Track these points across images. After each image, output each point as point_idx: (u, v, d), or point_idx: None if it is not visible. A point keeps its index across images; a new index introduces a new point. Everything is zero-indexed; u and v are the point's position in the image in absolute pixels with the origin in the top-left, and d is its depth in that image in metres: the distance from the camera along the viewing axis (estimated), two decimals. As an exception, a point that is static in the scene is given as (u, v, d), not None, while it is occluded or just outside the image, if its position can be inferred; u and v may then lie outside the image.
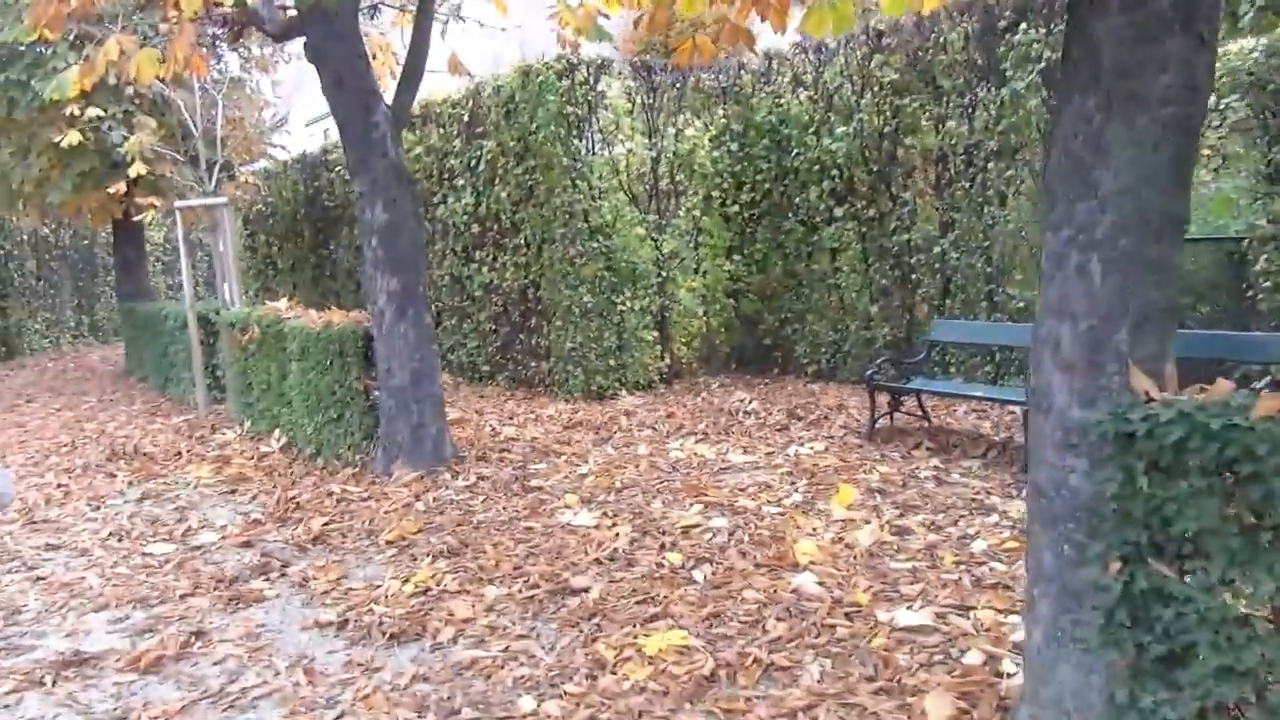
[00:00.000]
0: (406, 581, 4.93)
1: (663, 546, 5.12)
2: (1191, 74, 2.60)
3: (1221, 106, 11.02)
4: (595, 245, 10.19)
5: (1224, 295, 7.85)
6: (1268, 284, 6.86)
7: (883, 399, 7.53)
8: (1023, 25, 8.20)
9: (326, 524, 6.07)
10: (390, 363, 6.93)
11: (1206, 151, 10.98)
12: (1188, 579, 2.49)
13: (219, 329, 10.65)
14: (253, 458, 8.18)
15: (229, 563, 5.57)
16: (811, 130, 10.38)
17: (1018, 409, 7.71)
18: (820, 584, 4.40)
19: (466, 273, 11.89)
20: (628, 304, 10.33)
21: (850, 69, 9.92)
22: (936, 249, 9.18)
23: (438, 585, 4.84)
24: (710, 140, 11.16)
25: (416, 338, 6.96)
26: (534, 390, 10.76)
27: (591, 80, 10.23)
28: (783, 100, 10.81)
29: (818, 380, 10.42)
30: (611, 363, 10.23)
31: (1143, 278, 2.68)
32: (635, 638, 4.01)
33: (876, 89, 9.59)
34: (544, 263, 10.57)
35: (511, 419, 9.11)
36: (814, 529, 5.24)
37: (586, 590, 4.61)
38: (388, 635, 4.31)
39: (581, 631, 4.17)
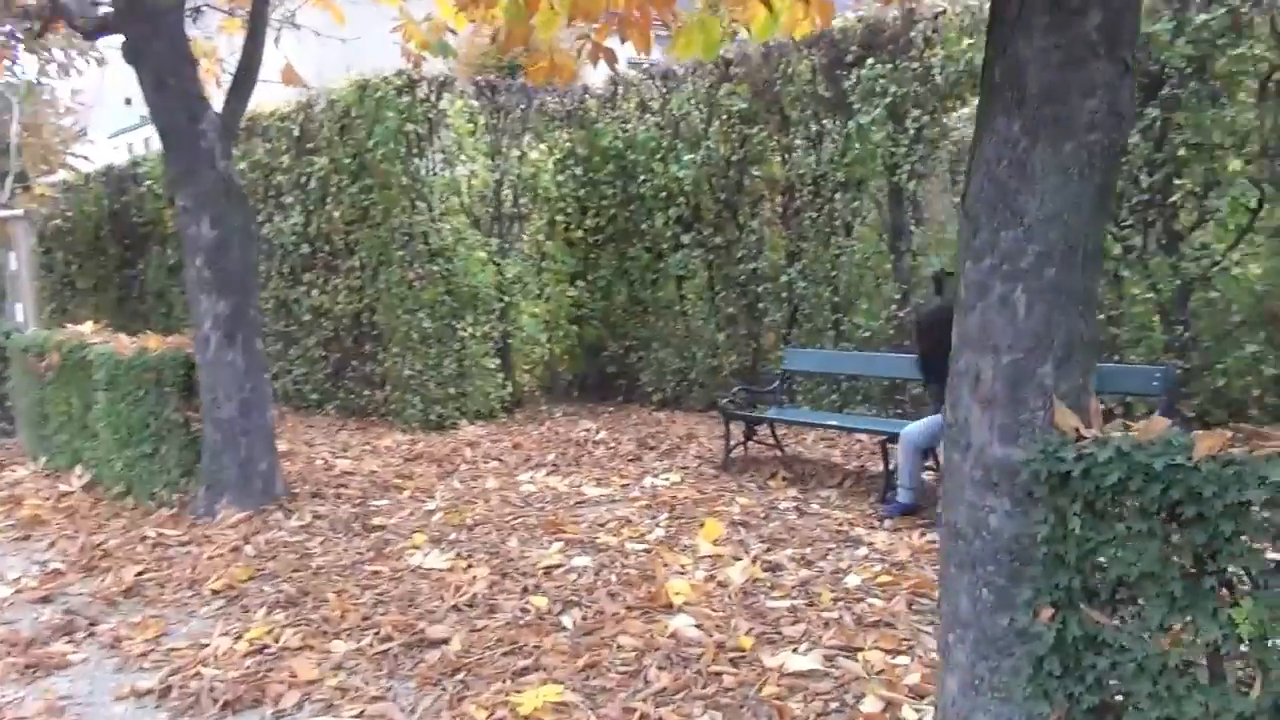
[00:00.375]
0: (239, 638, 4.41)
1: (525, 590, 4.78)
2: (1116, 99, 2.52)
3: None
4: (435, 268, 9.76)
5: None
6: (1100, 317, 7.11)
7: (737, 429, 7.43)
8: (869, 60, 8.33)
9: (141, 573, 5.43)
10: (216, 392, 6.32)
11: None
12: (1122, 626, 2.38)
13: (9, 355, 9.61)
14: (49, 498, 7.34)
15: (24, 622, 4.88)
16: (659, 157, 10.28)
17: (865, 437, 7.77)
18: (698, 626, 4.17)
19: (294, 296, 11.19)
20: (469, 330, 9.94)
21: (698, 96, 9.88)
22: (783, 278, 9.21)
23: (276, 641, 4.35)
24: (555, 164, 10.92)
25: (246, 365, 6.38)
26: (368, 420, 10.19)
27: (433, 97, 9.83)
28: (629, 126, 10.68)
29: (664, 409, 10.28)
30: (452, 391, 9.80)
31: (1068, 309, 2.58)
32: (507, 695, 3.66)
33: (724, 117, 9.57)
34: (380, 286, 10.05)
35: (346, 451, 8.55)
36: (683, 566, 5.01)
37: (446, 641, 4.23)
38: (220, 703, 3.80)
39: (445, 690, 3.79)
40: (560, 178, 10.91)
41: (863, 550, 5.16)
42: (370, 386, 10.37)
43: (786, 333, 9.32)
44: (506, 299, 10.40)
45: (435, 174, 9.98)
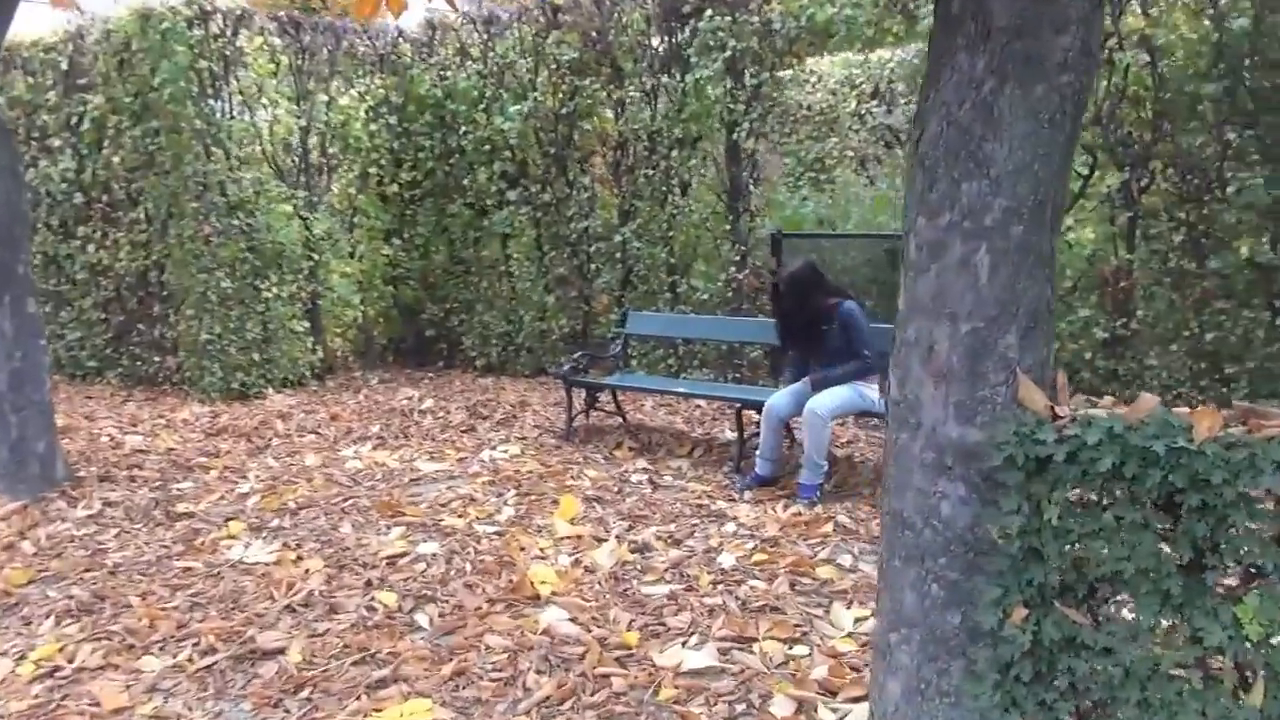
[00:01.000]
0: (23, 659, 3.68)
1: (369, 584, 4.25)
2: (1089, 37, 2.26)
3: (862, 112, 11.70)
4: (235, 223, 8.84)
5: (882, 290, 8.16)
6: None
7: (578, 397, 7.04)
8: (707, 12, 8.02)
9: (-111, 580, 4.54)
10: (-21, 361, 5.39)
11: (849, 153, 11.63)
12: (1104, 626, 2.15)
13: None
14: None
15: None
16: (481, 107, 9.67)
17: (705, 404, 7.55)
18: (573, 620, 3.78)
19: (65, 251, 9.94)
20: (274, 290, 9.09)
21: (524, 45, 9.32)
22: (617, 238, 8.85)
23: (70, 661, 3.65)
24: (367, 112, 10.11)
25: (16, 330, 5.46)
26: (158, 389, 9.18)
27: (229, 33, 8.85)
28: (448, 74, 9.99)
29: (489, 374, 9.77)
30: (256, 357, 8.94)
31: (1035, 272, 2.31)
32: (365, 715, 3.17)
33: (554, 67, 9.06)
34: (170, 241, 9.02)
35: (136, 425, 7.61)
36: (542, 550, 4.60)
37: (283, 651, 3.66)
38: (4, 744, 3.13)
39: (289, 712, 3.25)
40: (373, 127, 10.11)
41: (730, 526, 4.90)
42: (160, 352, 9.35)
43: (620, 295, 8.98)
44: (315, 257, 9.58)
45: (232, 118, 9.02)
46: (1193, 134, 6.17)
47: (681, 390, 6.70)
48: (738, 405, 5.99)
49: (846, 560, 4.36)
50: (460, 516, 5.16)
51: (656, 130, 8.52)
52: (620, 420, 7.18)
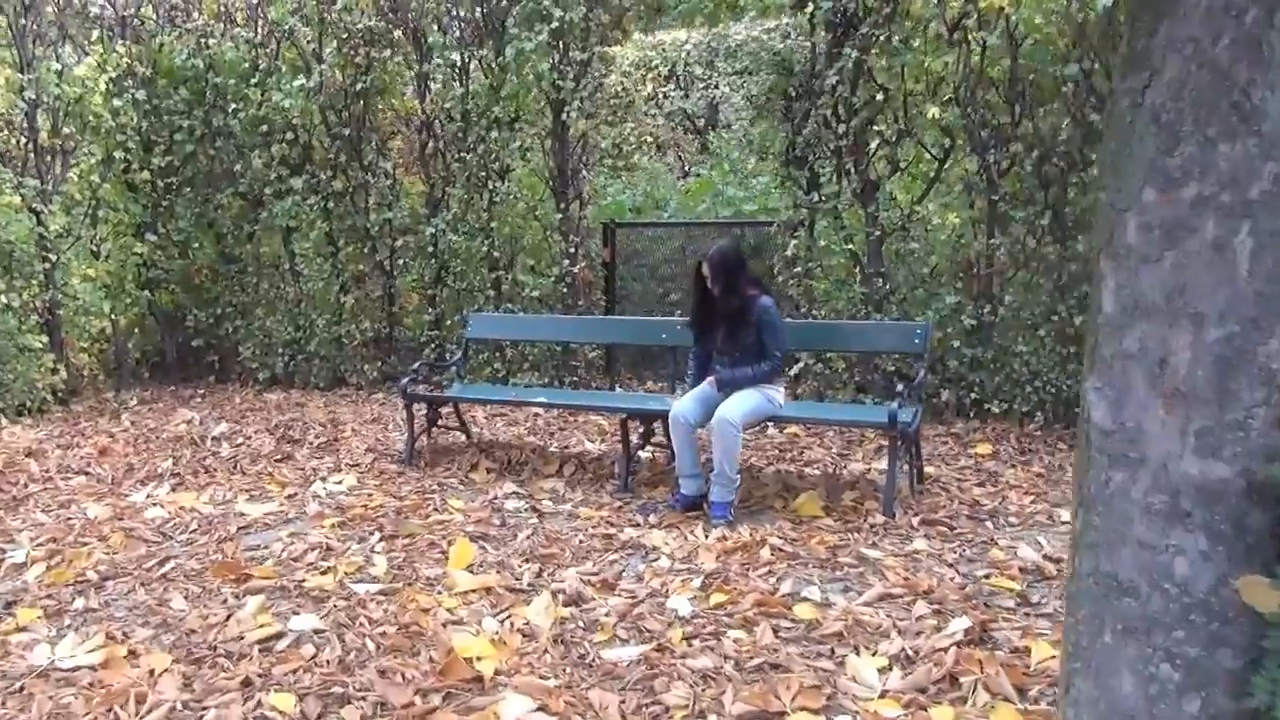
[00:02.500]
0: None
1: (248, 683, 3.24)
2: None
3: (659, 96, 11.28)
4: (-53, 217, 7.19)
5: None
6: (798, 269, 6.76)
7: (415, 412, 6.12)
8: (530, -23, 7.27)
9: None
10: None
11: (648, 139, 11.17)
12: None
13: None
14: None
15: None
16: (254, 82, 8.41)
17: (542, 412, 6.81)
18: (546, 710, 2.99)
19: None
20: (2, 299, 7.48)
21: (306, 10, 8.16)
22: (428, 230, 7.91)
23: None
24: (108, 85, 8.56)
25: None
26: None
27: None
28: (210, 42, 8.64)
29: (274, 388, 8.55)
30: (-16, 381, 7.33)
31: (1306, 260, 1.81)
32: None
33: (344, 37, 7.97)
34: None
35: None
36: (452, 612, 3.75)
37: (159, 802, 2.65)
38: None
39: None
40: (117, 103, 8.58)
41: (662, 561, 4.23)
42: None
43: (432, 294, 8.05)
44: (51, 258, 8.00)
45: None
46: (1054, 116, 6.10)
47: (558, 402, 5.90)
48: (623, 416, 5.31)
49: (814, 593, 3.81)
50: (325, 574, 4.18)
51: (470, 109, 7.65)
52: (465, 437, 6.32)
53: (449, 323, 7.91)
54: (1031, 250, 6.21)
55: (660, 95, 11.11)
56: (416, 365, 6.01)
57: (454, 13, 7.65)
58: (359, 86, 8.01)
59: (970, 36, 6.21)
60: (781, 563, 4.16)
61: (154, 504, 5.24)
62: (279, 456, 6.15)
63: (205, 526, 4.87)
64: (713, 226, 8.16)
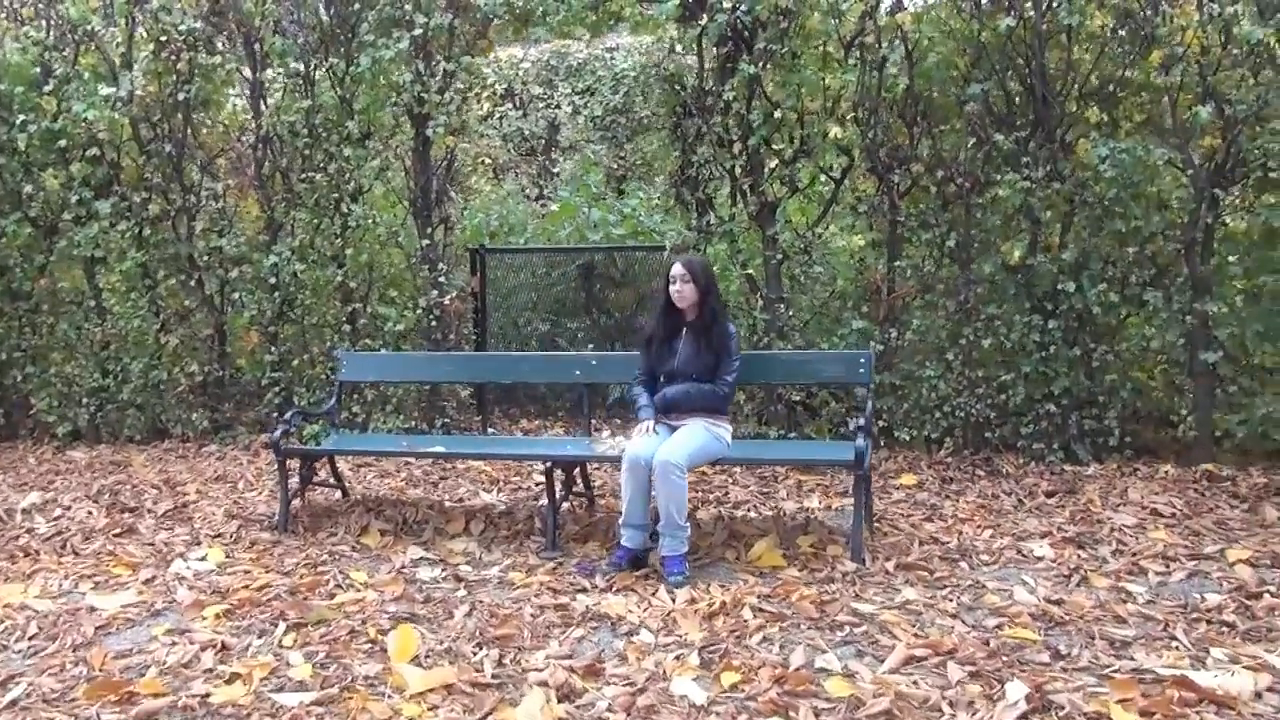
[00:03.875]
0: None
1: None
2: None
3: (496, 115, 10.72)
4: None
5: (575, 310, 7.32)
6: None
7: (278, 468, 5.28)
8: (388, -19, 6.58)
9: None
10: None
11: (485, 160, 10.56)
12: None
13: None
14: None
15: None
16: (47, 90, 7.25)
17: (415, 460, 6.08)
18: None
19: None
20: None
21: (113, 8, 7.12)
22: (269, 259, 7.00)
23: None
24: None
25: None
26: None
27: None
28: (-13, 42, 7.41)
29: (78, 445, 7.36)
30: None
31: None
32: None
33: (161, 39, 6.97)
34: None
35: None
36: (418, 722, 3.07)
37: None
38: None
39: None
40: None
41: (643, 635, 3.67)
42: None
43: (274, 331, 7.13)
44: None
45: None
46: (956, 136, 6.01)
47: (463, 451, 5.22)
48: (548, 464, 4.71)
49: (831, 662, 3.37)
50: (231, 683, 3.38)
51: (319, 124, 6.83)
52: (342, 495, 5.53)
53: (295, 363, 7.02)
54: (935, 273, 6.08)
55: (496, 115, 10.52)
56: (289, 414, 5.16)
57: (295, 16, 6.82)
58: (180, 96, 7.01)
59: (867, 55, 6.03)
60: (772, 626, 3.70)
61: (-28, 604, 4.21)
62: (117, 530, 5.14)
63: (50, 629, 3.91)
64: (595, 251, 7.68)
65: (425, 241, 6.85)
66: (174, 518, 5.35)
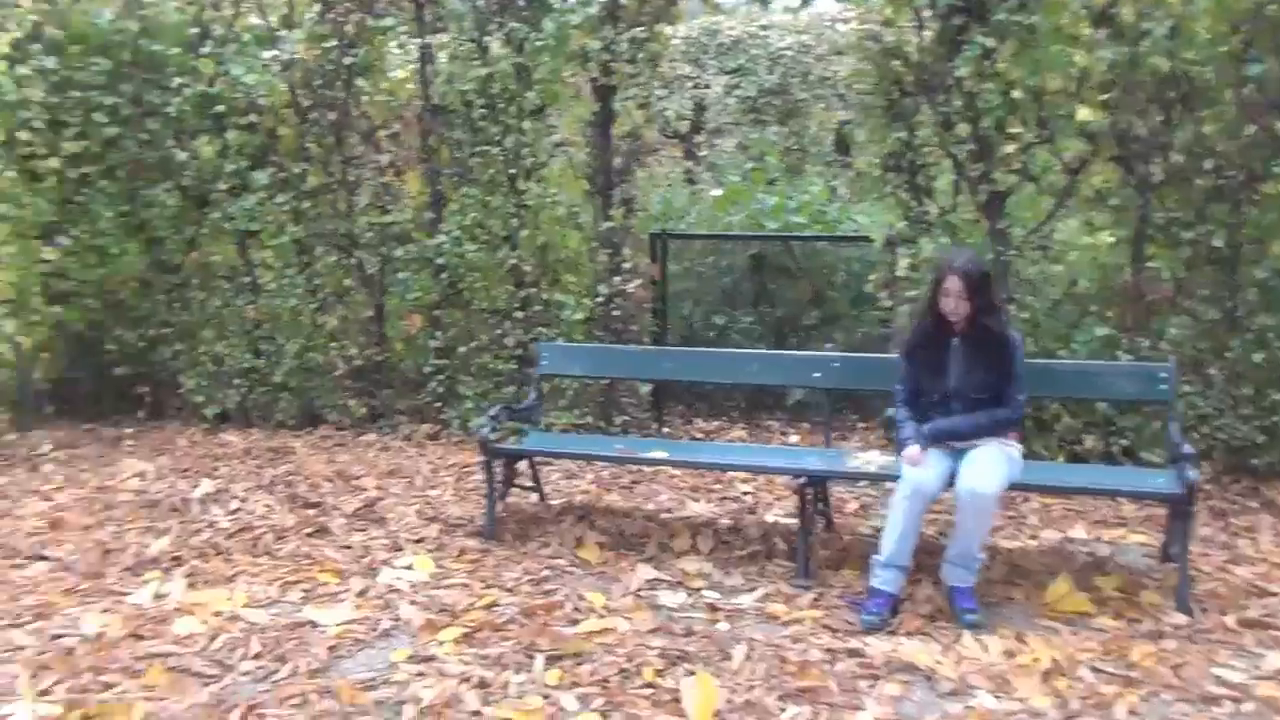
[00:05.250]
0: None
1: None
2: None
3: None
4: None
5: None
6: (912, 292, 5.77)
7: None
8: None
9: None
10: None
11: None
12: None
13: None
14: None
15: None
16: (204, 53, 6.86)
17: (614, 468, 5.47)
18: None
19: None
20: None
21: (279, -35, 6.70)
22: (436, 238, 6.55)
23: None
24: (12, 48, 6.84)
25: None
26: None
27: None
28: (145, 2, 7.03)
29: (227, 427, 6.97)
30: None
31: None
32: None
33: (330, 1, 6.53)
34: None
35: None
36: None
37: None
38: None
39: None
40: (23, 71, 6.86)
41: (982, 699, 3.11)
42: None
43: (437, 315, 6.68)
44: (-58, 264, 6.26)
45: None
46: (1225, 122, 5.33)
47: (693, 460, 4.66)
48: (801, 480, 4.16)
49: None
50: (510, 729, 2.90)
51: (496, 94, 6.34)
52: (539, 499, 5.04)
53: (461, 350, 6.56)
54: (1195, 276, 5.42)
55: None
56: (495, 410, 4.67)
57: (474, -22, 6.34)
58: (346, 62, 6.57)
59: (1124, 27, 5.38)
60: (1130, 693, 3.11)
61: (174, 610, 3.78)
62: (309, 529, 4.70)
63: (275, 648, 3.47)
64: (789, 240, 7.10)
65: (607, 223, 6.33)
66: (364, 518, 4.89)
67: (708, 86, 9.79)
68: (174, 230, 7.13)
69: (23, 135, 6.91)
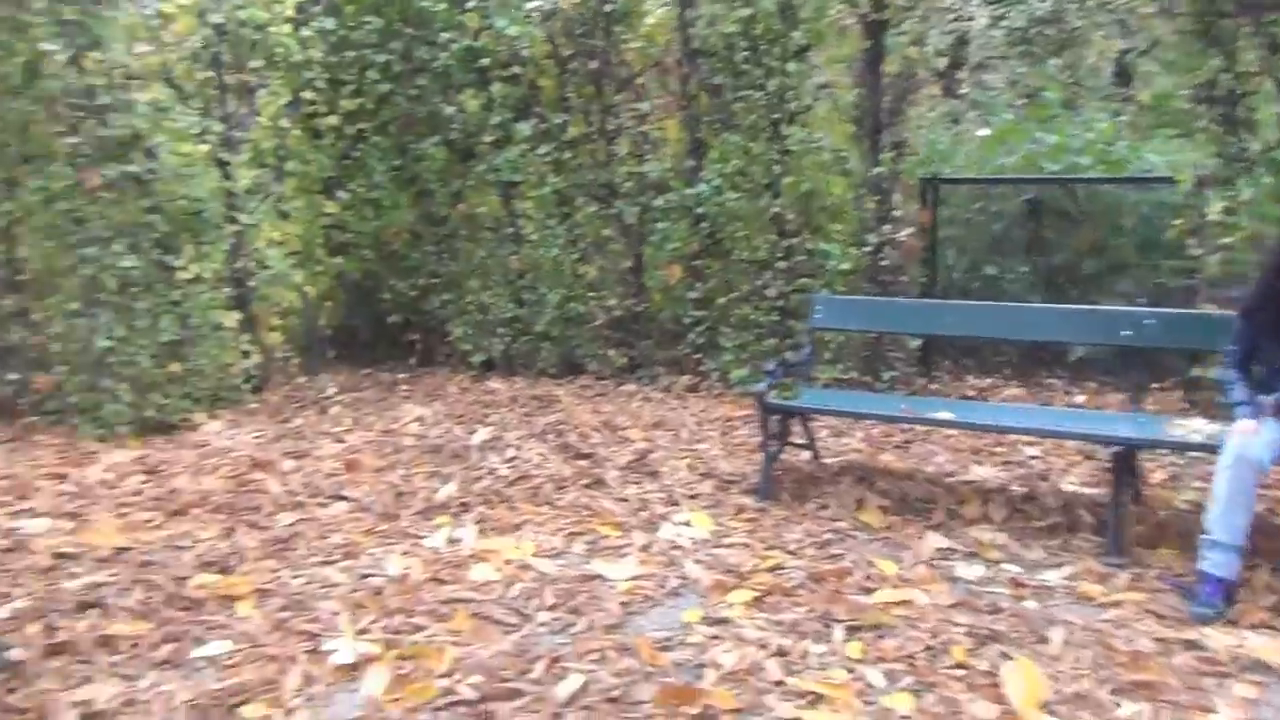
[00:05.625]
0: None
1: None
2: None
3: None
4: (125, 169, 5.88)
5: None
6: (1227, 240, 5.17)
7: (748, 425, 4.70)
8: None
9: None
10: None
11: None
12: None
13: None
14: None
15: None
16: (470, 7, 6.98)
17: (889, 428, 5.20)
18: None
19: None
20: (191, 269, 6.19)
21: (542, -85, 6.70)
22: (697, 187, 6.44)
23: None
24: (294, 10, 7.19)
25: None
26: (17, 425, 6.06)
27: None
28: (415, -43, 7.21)
29: (491, 375, 7.18)
30: (175, 368, 6.05)
31: None
32: None
33: (588, -54, 6.49)
34: (27, 199, 5.93)
35: (24, 497, 4.66)
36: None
37: None
38: None
39: None
40: (306, 33, 7.21)
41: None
42: (21, 368, 6.20)
43: (696, 265, 6.60)
44: (240, 219, 6.69)
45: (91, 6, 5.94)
46: None
47: (980, 423, 4.35)
48: (1119, 449, 3.80)
49: None
50: (817, 707, 2.78)
51: (759, 35, 6.13)
52: (813, 456, 4.88)
53: (720, 301, 6.46)
54: None
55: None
56: (773, 365, 4.53)
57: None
58: (606, 9, 6.53)
59: None
60: None
61: (468, 555, 3.88)
62: (585, 480, 4.75)
63: (568, 601, 3.49)
64: (1072, 183, 6.57)
65: (875, 169, 6.03)
66: (637, 470, 4.89)
67: (970, 19, 9.17)
68: (441, 183, 7.37)
69: (306, 95, 7.27)
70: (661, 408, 6.06)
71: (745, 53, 6.17)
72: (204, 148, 6.38)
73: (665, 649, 3.13)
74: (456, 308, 7.37)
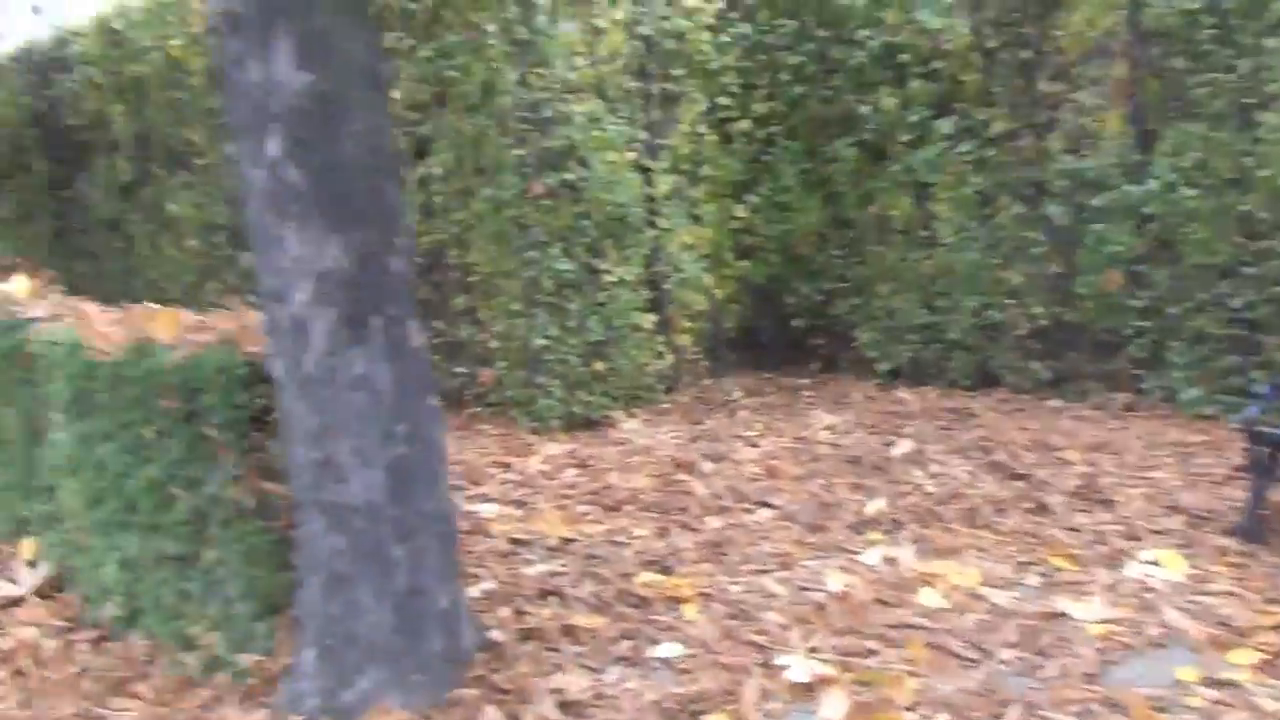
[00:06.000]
0: None
1: None
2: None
3: None
4: (567, 177, 6.23)
5: None
6: None
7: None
8: None
9: None
10: (327, 446, 2.79)
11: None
12: None
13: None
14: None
15: None
16: (886, 2, 6.74)
17: None
18: None
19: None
20: (614, 273, 6.46)
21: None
22: (1145, 184, 5.79)
23: None
24: (715, 16, 7.31)
25: (398, 383, 2.85)
26: (461, 415, 6.63)
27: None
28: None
29: (895, 383, 6.90)
30: (599, 366, 6.34)
31: None
32: None
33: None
34: (479, 206, 6.46)
35: (479, 483, 5.06)
36: None
37: None
38: None
39: None
40: (724, 38, 7.32)
41: None
42: (467, 362, 6.80)
43: (1138, 271, 5.94)
44: (658, 224, 6.90)
45: (554, 23, 6.34)
46: None
47: None
48: None
49: None
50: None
51: (1231, 8, 5.39)
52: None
53: (1170, 311, 5.77)
54: None
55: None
56: (1268, 387, 3.94)
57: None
58: (1035, -7, 6.04)
59: None
60: None
61: (911, 577, 3.68)
62: (1025, 504, 4.39)
63: (1030, 636, 3.19)
64: None
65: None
66: (1085, 497, 4.44)
67: None
68: (852, 185, 7.20)
69: (722, 100, 7.39)
70: (1099, 428, 5.52)
71: (1211, 30, 5.46)
72: (630, 155, 6.64)
73: (1160, 709, 2.75)
74: (864, 313, 7.17)
